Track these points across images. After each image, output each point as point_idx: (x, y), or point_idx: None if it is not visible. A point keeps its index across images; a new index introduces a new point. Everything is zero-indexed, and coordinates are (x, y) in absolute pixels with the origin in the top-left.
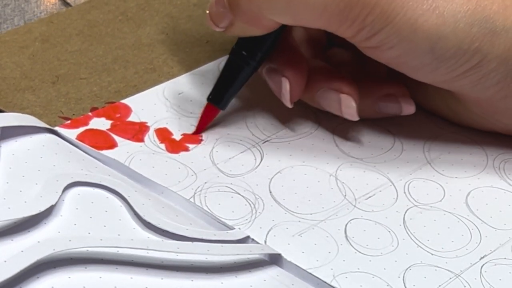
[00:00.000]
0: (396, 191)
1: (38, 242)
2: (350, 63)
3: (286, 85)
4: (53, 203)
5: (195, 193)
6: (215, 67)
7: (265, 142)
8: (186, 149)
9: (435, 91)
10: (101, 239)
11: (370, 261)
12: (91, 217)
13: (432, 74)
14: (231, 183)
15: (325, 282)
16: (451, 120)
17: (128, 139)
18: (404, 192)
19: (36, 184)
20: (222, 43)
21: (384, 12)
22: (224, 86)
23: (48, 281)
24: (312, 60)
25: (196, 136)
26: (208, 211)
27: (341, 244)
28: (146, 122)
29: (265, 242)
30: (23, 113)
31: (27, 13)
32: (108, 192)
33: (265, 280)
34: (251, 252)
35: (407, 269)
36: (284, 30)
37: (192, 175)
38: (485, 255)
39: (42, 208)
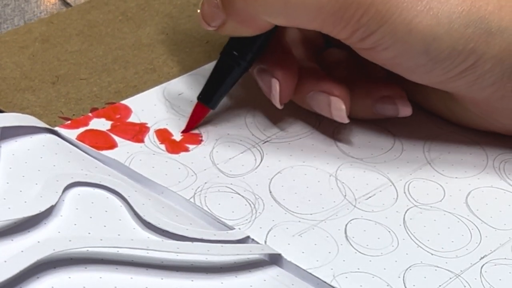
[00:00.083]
0: (396, 191)
1: (38, 242)
2: (347, 64)
3: (276, 86)
4: (53, 203)
5: (195, 193)
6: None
7: (265, 142)
8: (186, 150)
9: (433, 91)
10: (101, 239)
11: (370, 261)
12: (91, 217)
13: (428, 75)
14: (231, 183)
15: (325, 282)
16: (449, 120)
17: (128, 139)
18: (404, 192)
19: (36, 184)
20: (222, 43)
21: (379, 12)
22: (214, 85)
23: (48, 281)
24: (303, 62)
25: (196, 136)
26: (208, 211)
27: (341, 244)
28: (146, 123)
29: (265, 242)
30: (23, 113)
31: (27, 13)
32: (108, 192)
33: (265, 280)
34: (251, 252)
35: (407, 269)
36: (275, 31)
37: (192, 175)
38: (485, 255)
39: (42, 208)
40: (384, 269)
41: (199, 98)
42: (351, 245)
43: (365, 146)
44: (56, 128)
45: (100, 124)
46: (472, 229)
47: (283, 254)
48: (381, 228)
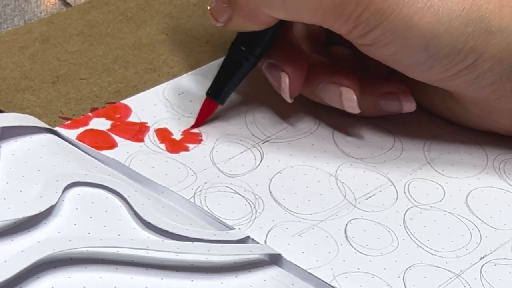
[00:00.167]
0: (396, 191)
1: (38, 242)
2: (350, 61)
3: (285, 80)
4: (53, 203)
5: (195, 193)
6: (215, 67)
7: (265, 142)
8: (186, 149)
9: (433, 90)
10: (101, 239)
11: (370, 261)
12: (91, 217)
13: (427, 72)
14: (231, 183)
15: (325, 282)
16: (449, 120)
17: (128, 139)
18: (404, 192)
19: (36, 184)
20: (222, 43)
21: (379, 9)
22: (223, 81)
23: (48, 281)
24: (312, 54)
25: (196, 136)
26: (208, 211)
27: (341, 244)
28: (146, 123)
29: (265, 242)
30: (23, 113)
31: (27, 13)
32: (108, 192)
33: (265, 280)
34: (251, 252)
35: (407, 269)
36: (283, 26)
37: (192, 175)
38: (485, 255)
39: (42, 208)
40: (384, 269)
41: (207, 93)
42: (351, 245)
43: (365, 146)
44: (56, 128)
45: (100, 123)
46: (472, 229)
47: (283, 254)
48: (381, 228)
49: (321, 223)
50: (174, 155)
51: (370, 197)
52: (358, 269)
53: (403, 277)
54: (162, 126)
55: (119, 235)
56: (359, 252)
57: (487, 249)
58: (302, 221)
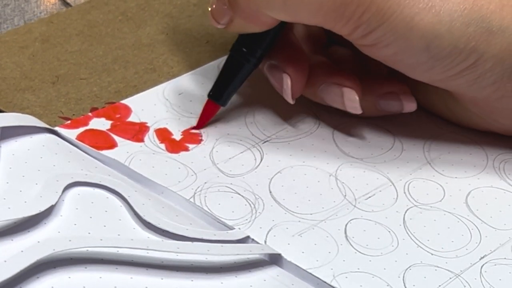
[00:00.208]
0: (396, 191)
1: (38, 242)
2: (351, 61)
3: (287, 81)
4: (53, 203)
5: (195, 193)
6: (215, 67)
7: (265, 142)
8: (186, 149)
9: (434, 90)
10: (101, 239)
11: (370, 261)
12: (91, 217)
13: (428, 72)
14: (231, 183)
15: (325, 282)
16: (449, 119)
17: (128, 139)
18: (404, 192)
19: (36, 184)
20: (222, 43)
21: (380, 10)
22: (224, 82)
23: (48, 281)
24: (313, 55)
25: (196, 136)
26: (208, 211)
27: (341, 244)
28: (146, 123)
29: (265, 242)
30: (23, 113)
31: (27, 13)
32: (108, 192)
33: (265, 280)
34: (251, 252)
35: (407, 269)
36: (284, 27)
37: (192, 175)
38: (485, 255)
39: (42, 208)
40: (384, 269)
41: (209, 95)
42: (351, 245)
43: (365, 146)
44: (56, 128)
45: (100, 123)
46: (472, 229)
47: (283, 254)
48: (381, 228)
49: (321, 223)
50: (174, 155)
51: (370, 197)
52: (358, 269)
53: (403, 277)
54: (162, 126)
55: (119, 235)
56: (359, 252)
57: (487, 249)
58: (302, 221)
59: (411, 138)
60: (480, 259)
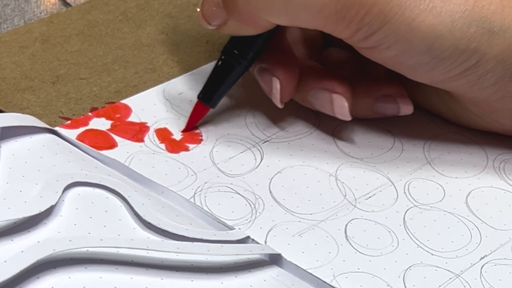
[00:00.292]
0: (396, 191)
1: (38, 242)
2: (347, 63)
3: (276, 85)
4: (53, 203)
5: (195, 193)
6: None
7: (265, 142)
8: (186, 149)
9: (433, 91)
10: (101, 239)
11: (370, 261)
12: (91, 217)
13: (429, 74)
14: (231, 183)
15: (325, 282)
16: (449, 119)
17: (128, 139)
18: (404, 192)
19: (36, 184)
20: (222, 43)
21: (382, 12)
22: (214, 84)
23: (48, 281)
24: (305, 60)
25: (196, 136)
26: (208, 211)
27: (341, 244)
28: (146, 123)
29: (265, 242)
30: (23, 113)
31: (27, 13)
32: (108, 192)
33: (265, 280)
34: (251, 252)
35: (407, 269)
36: (276, 30)
37: (192, 175)
38: (485, 255)
39: (42, 208)
40: (384, 269)
41: (199, 97)
42: (351, 245)
43: (365, 146)
44: (56, 128)
45: (100, 123)
46: (472, 229)
47: (283, 254)
48: (381, 228)
49: (321, 223)
50: (174, 155)
51: (370, 197)
52: (358, 269)
53: (403, 277)
54: (162, 126)
55: (119, 235)
56: (359, 252)
57: (487, 249)
58: (302, 221)
59: (411, 138)
60: (480, 259)
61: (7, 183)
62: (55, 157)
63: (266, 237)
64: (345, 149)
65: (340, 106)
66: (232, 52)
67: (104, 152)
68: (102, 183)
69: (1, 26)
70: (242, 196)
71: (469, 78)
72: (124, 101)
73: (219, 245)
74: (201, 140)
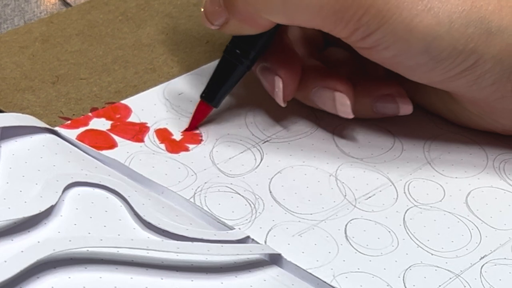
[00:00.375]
0: (396, 191)
1: (38, 242)
2: (347, 63)
3: (279, 84)
4: (53, 203)
5: (195, 193)
6: (215, 67)
7: (265, 142)
8: (186, 149)
9: (433, 91)
10: (101, 239)
11: (370, 261)
12: (91, 217)
13: (428, 74)
14: (231, 183)
15: (325, 282)
16: (449, 119)
17: (128, 139)
18: (404, 192)
19: (36, 184)
20: (222, 43)
21: (380, 12)
22: (217, 84)
23: (48, 281)
24: (306, 59)
25: (196, 136)
26: (208, 211)
27: (341, 244)
28: (146, 123)
29: (265, 242)
30: (23, 113)
31: (27, 13)
32: (108, 192)
33: (265, 280)
34: (251, 252)
35: (407, 269)
36: (278, 29)
37: (192, 175)
38: (485, 255)
39: (42, 208)
40: (384, 269)
41: (202, 96)
42: (351, 245)
43: (365, 146)
44: (56, 128)
45: (100, 124)
46: (472, 229)
47: (283, 254)
48: (381, 228)
49: (321, 223)
50: (174, 155)
51: (370, 197)
52: (358, 269)
53: (403, 277)
54: (162, 127)
55: (119, 235)
56: (359, 252)
57: (487, 249)
58: (302, 221)
59: (411, 138)
60: (480, 259)
61: (7, 183)
62: (55, 157)
63: (266, 237)
64: (345, 149)
65: (342, 104)
66: (234, 52)
67: (104, 152)
68: (102, 183)
69: (1, 26)
70: (242, 196)
71: (467, 78)
72: (124, 102)
73: (219, 245)
74: (201, 140)
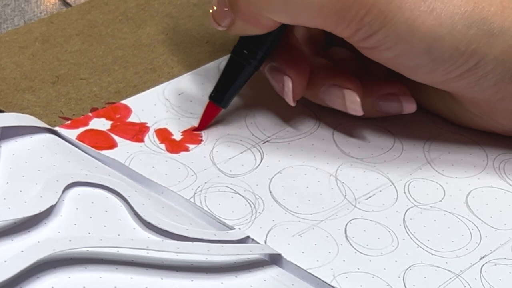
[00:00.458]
0: (396, 191)
1: (38, 242)
2: (350, 62)
3: (288, 84)
4: (53, 203)
5: (195, 193)
6: (215, 67)
7: (265, 142)
8: (186, 149)
9: (434, 91)
10: (101, 239)
11: (370, 261)
12: (91, 217)
13: (429, 75)
14: (231, 183)
15: (325, 282)
16: (449, 119)
17: (128, 139)
18: (404, 192)
19: (36, 184)
20: (222, 43)
21: (382, 12)
22: (225, 84)
23: (48, 281)
24: (314, 57)
25: (196, 136)
26: (208, 211)
27: (341, 244)
28: (146, 123)
29: (265, 242)
30: (23, 113)
31: (27, 13)
32: (108, 192)
33: (265, 280)
34: (251, 252)
35: (407, 269)
36: (285, 29)
37: (192, 175)
38: (485, 255)
39: (42, 208)
40: (384, 269)
41: (210, 97)
42: (351, 245)
43: (365, 146)
44: (56, 128)
45: (100, 124)
46: (472, 229)
47: (283, 254)
48: (381, 228)
49: (321, 223)
50: (174, 155)
51: (370, 197)
52: (358, 269)
53: (403, 277)
54: (162, 127)
55: (119, 235)
56: (359, 252)
57: (487, 249)
58: (302, 221)
59: (411, 138)
60: (480, 259)
61: (7, 183)
62: (55, 157)
63: (266, 237)
64: (345, 149)
65: (352, 101)
66: (242, 52)
67: (104, 152)
68: (102, 183)
69: (1, 26)
70: (242, 196)
71: (469, 79)
72: (124, 102)
73: (219, 245)
74: (201, 140)
